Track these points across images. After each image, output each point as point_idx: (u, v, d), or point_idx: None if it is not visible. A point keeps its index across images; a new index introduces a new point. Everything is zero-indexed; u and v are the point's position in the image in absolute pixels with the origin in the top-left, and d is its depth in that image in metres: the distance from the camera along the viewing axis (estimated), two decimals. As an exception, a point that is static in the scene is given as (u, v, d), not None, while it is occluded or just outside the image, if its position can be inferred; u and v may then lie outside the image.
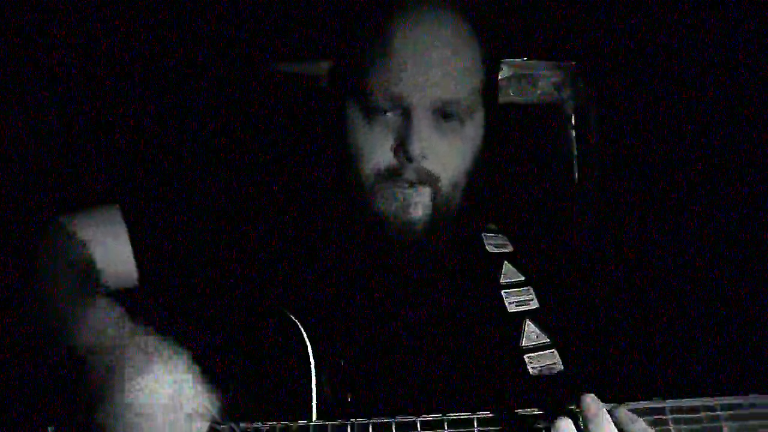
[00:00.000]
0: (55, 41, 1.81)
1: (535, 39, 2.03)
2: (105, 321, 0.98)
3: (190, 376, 0.93)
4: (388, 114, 1.16)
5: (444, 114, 1.16)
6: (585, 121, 2.10)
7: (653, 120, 1.98)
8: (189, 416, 0.92)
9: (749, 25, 1.80)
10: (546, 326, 1.25)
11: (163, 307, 1.18)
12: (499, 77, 1.32)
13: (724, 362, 1.52)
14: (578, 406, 0.91)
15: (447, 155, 1.18)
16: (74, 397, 0.97)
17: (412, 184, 1.17)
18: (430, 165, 1.17)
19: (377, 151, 1.17)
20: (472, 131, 1.20)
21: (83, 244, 1.18)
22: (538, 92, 2.10)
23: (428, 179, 1.17)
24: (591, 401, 0.91)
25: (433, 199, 1.19)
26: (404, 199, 1.17)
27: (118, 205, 1.23)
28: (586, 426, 0.90)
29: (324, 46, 1.28)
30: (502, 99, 2.07)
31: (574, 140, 2.10)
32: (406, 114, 1.15)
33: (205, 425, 0.95)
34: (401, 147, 1.15)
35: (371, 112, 1.17)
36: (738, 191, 1.76)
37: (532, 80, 2.09)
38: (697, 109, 1.89)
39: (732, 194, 1.77)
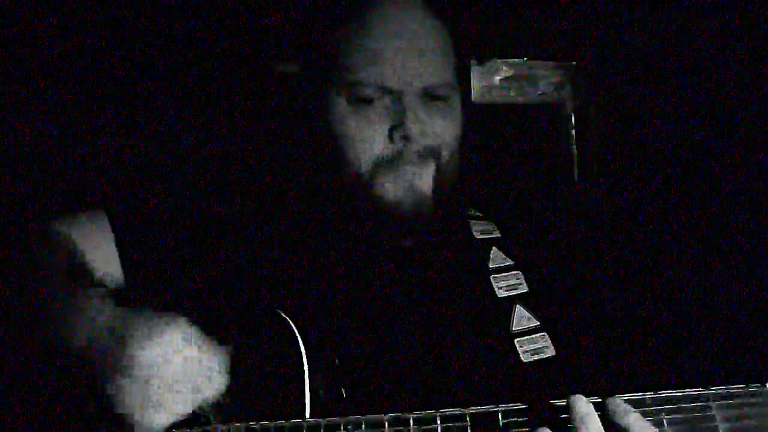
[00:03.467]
0: (50, 42, 1.81)
1: (535, 39, 2.03)
2: (99, 311, 0.98)
3: (193, 338, 0.94)
4: (375, 101, 1.17)
5: (431, 96, 1.18)
6: (585, 121, 2.10)
7: (653, 119, 1.98)
8: (205, 374, 0.93)
9: (749, 25, 1.80)
10: (536, 311, 1.25)
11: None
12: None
13: (715, 351, 1.52)
14: (566, 406, 0.90)
15: (442, 129, 1.19)
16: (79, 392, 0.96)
17: (417, 161, 1.17)
18: (430, 141, 1.18)
19: (372, 139, 1.17)
20: (456, 107, 1.22)
21: (75, 248, 1.19)
22: (538, 92, 2.10)
23: (431, 153, 1.18)
24: (580, 403, 0.90)
25: (437, 171, 1.20)
26: (408, 184, 1.18)
27: (103, 209, 1.22)
28: (575, 427, 0.89)
29: (304, 43, 1.28)
30: (502, 99, 2.10)
31: (574, 140, 2.10)
32: (396, 99, 1.16)
33: (222, 379, 0.95)
34: (397, 131, 1.15)
35: (357, 103, 1.17)
36: (734, 190, 1.75)
37: (532, 80, 2.09)
38: (696, 108, 1.89)
39: (727, 192, 1.76)
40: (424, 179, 1.18)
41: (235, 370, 0.97)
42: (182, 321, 0.94)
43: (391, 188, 1.18)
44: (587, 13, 1.96)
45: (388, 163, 1.17)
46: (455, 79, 1.22)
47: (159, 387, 0.90)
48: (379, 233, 1.22)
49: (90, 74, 1.85)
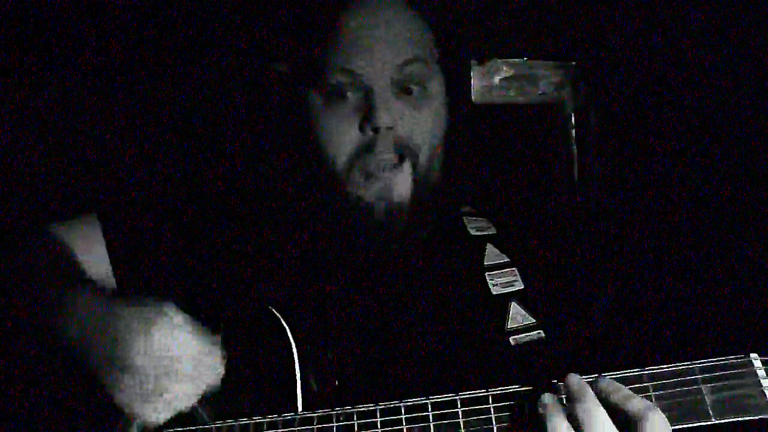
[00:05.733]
0: (47, 44, 1.83)
1: (535, 39, 2.04)
2: (91, 308, 0.99)
3: (184, 324, 0.94)
4: (349, 95, 1.17)
5: (404, 88, 1.17)
6: (585, 121, 2.10)
7: (653, 119, 1.98)
8: (200, 362, 0.93)
9: (749, 25, 1.80)
10: (531, 307, 1.24)
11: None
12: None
13: (700, 327, 1.52)
14: (563, 385, 0.91)
15: (416, 123, 1.18)
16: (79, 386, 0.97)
17: (392, 166, 1.16)
18: (402, 133, 1.17)
19: (344, 133, 1.17)
20: (436, 99, 1.21)
21: (67, 248, 1.20)
22: (538, 92, 2.10)
23: (405, 150, 1.17)
24: (576, 381, 0.90)
25: (414, 174, 1.18)
26: (384, 184, 1.17)
27: (95, 211, 1.24)
28: (571, 404, 0.88)
29: (278, 34, 1.28)
30: (502, 99, 2.11)
31: (574, 140, 2.10)
32: (368, 90, 1.16)
33: (221, 362, 0.95)
34: (367, 121, 1.15)
35: (331, 96, 1.17)
36: (730, 188, 1.75)
37: (532, 80, 2.10)
38: (696, 107, 1.89)
39: (723, 191, 1.76)
40: (401, 180, 1.18)
41: (227, 359, 0.97)
42: (171, 309, 0.94)
43: (366, 187, 1.18)
44: (587, 13, 1.97)
45: (362, 159, 1.17)
46: (434, 65, 1.20)
47: (157, 378, 0.90)
48: (356, 233, 1.21)
49: (82, 77, 1.86)
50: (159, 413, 0.91)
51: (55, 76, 1.84)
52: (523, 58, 2.09)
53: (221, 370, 0.95)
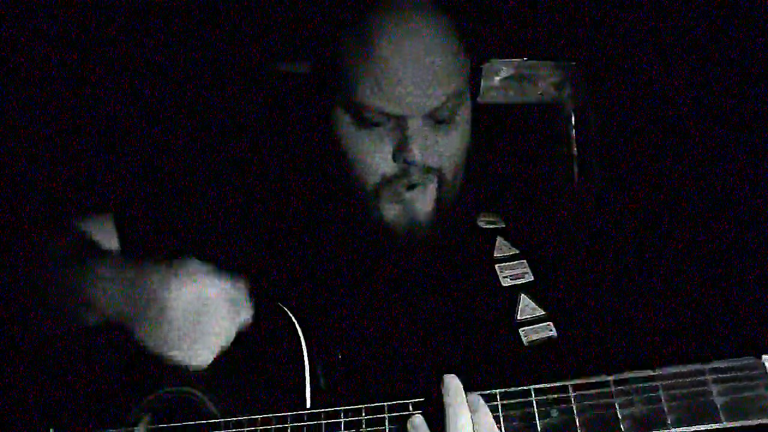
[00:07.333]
0: (51, 42, 1.83)
1: (535, 39, 2.04)
2: (118, 275, 1.03)
3: (210, 270, 0.99)
4: (381, 124, 1.16)
5: (436, 119, 1.16)
6: (585, 121, 2.10)
7: (653, 120, 1.98)
8: (233, 298, 0.99)
9: (749, 25, 1.81)
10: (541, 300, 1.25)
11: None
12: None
13: (710, 328, 1.52)
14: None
15: (446, 147, 1.18)
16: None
17: (414, 186, 1.17)
18: (432, 161, 1.17)
19: (377, 159, 1.17)
20: (463, 124, 1.21)
21: (88, 236, 1.22)
22: (538, 92, 2.10)
23: (432, 172, 1.18)
24: (451, 383, 0.92)
25: (439, 187, 1.19)
26: (407, 203, 1.18)
27: (110, 212, 1.26)
28: (444, 409, 0.90)
29: (312, 59, 1.27)
30: (502, 99, 2.11)
31: (574, 140, 2.10)
32: (400, 122, 1.15)
33: (248, 301, 1.01)
34: (400, 153, 1.15)
35: (363, 123, 1.17)
36: (730, 187, 1.76)
37: (532, 80, 2.10)
38: (696, 107, 1.90)
39: (723, 189, 1.77)
40: (424, 198, 1.19)
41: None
42: (194, 261, 1.00)
43: (390, 207, 1.19)
44: (587, 13, 1.97)
45: (391, 185, 1.18)
46: (465, 95, 1.20)
47: (194, 321, 0.96)
48: (379, 248, 1.22)
49: (100, 78, 1.87)
50: (202, 356, 0.97)
51: (75, 78, 1.85)
52: (523, 58, 2.08)
53: (250, 308, 1.01)
